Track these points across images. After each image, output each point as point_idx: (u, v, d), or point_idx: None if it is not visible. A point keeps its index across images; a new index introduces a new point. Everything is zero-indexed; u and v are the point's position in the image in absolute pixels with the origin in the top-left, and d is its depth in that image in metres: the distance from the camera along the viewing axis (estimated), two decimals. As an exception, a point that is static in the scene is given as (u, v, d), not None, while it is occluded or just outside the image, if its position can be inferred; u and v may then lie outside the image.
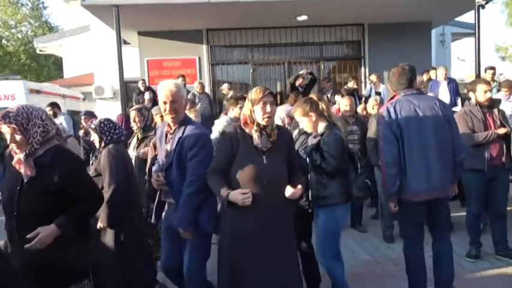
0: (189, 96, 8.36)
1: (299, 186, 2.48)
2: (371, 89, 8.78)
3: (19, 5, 25.78)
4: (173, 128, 2.77)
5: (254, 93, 2.49)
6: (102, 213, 3.06)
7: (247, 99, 2.54)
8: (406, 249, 3.17)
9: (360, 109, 6.51)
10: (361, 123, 5.13)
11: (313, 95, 3.34)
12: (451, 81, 7.97)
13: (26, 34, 26.11)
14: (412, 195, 2.95)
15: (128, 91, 8.48)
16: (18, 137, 2.08)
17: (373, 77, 8.89)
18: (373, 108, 5.20)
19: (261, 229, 2.42)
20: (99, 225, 3.07)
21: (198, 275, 2.84)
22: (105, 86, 13.25)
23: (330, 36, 10.34)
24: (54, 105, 7.60)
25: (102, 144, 3.28)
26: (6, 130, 2.08)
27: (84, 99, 12.78)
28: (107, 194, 3.07)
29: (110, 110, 12.00)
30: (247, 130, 2.50)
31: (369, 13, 9.30)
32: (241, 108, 5.99)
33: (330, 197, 2.89)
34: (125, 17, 7.54)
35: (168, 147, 2.76)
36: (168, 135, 2.80)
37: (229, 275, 2.47)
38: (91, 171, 3.29)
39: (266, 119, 2.45)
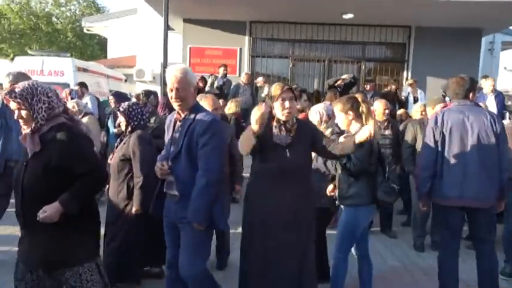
0: (231, 87, 8.59)
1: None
2: (408, 93, 8.56)
3: (70, -17, 26.73)
4: (182, 115, 2.60)
5: (273, 90, 2.56)
6: (135, 198, 3.15)
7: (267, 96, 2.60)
8: (440, 256, 3.20)
9: (400, 112, 6.39)
10: (394, 128, 5.03)
11: (358, 96, 3.32)
12: (498, 94, 7.64)
13: (74, 13, 27.01)
14: (444, 200, 3.05)
15: (168, 76, 8.68)
16: (23, 113, 2.08)
17: (410, 81, 8.67)
18: (421, 114, 5.05)
19: (281, 221, 2.49)
20: (134, 209, 3.17)
21: (202, 277, 2.60)
22: (145, 70, 13.56)
23: (374, 37, 10.13)
24: (82, 85, 7.91)
25: (129, 129, 3.29)
26: (13, 106, 2.09)
27: (126, 81, 13.15)
28: (138, 179, 3.15)
29: (148, 93, 12.27)
30: (269, 125, 2.55)
31: (418, 15, 9.04)
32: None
33: (354, 196, 2.92)
34: (173, 3, 7.67)
35: (177, 135, 2.59)
36: (177, 122, 2.63)
37: (248, 267, 2.55)
38: (117, 154, 3.30)
39: (286, 115, 2.51)
